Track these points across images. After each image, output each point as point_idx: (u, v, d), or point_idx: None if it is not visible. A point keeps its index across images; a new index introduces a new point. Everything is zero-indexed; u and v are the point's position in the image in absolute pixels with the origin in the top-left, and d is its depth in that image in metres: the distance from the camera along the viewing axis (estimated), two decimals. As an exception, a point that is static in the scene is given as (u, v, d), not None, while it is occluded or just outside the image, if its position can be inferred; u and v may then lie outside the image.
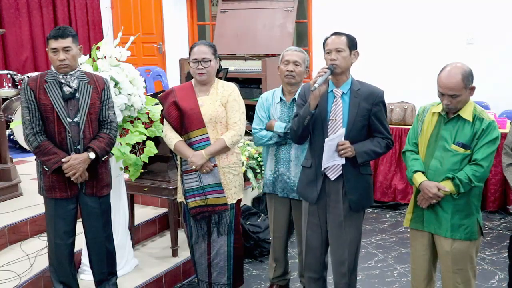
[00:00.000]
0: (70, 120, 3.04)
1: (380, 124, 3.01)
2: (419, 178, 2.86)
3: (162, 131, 3.44)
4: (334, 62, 2.90)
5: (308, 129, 2.98)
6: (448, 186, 2.77)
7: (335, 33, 2.97)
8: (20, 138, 5.86)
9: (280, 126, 3.39)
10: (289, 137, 3.33)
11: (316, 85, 2.80)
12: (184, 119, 3.26)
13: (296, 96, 3.36)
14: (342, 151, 2.91)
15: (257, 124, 3.51)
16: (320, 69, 2.90)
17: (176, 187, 3.56)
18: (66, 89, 3.06)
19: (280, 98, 3.47)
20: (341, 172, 2.99)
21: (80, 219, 3.24)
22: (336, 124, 2.97)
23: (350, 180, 3.00)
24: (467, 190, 2.77)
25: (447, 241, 2.86)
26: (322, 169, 2.97)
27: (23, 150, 6.01)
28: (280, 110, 3.46)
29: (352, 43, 2.95)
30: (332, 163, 2.96)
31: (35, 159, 3.17)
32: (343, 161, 2.95)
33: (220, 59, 3.40)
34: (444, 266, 2.92)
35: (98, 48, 3.64)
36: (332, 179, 3.01)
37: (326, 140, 2.89)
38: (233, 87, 3.35)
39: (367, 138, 3.02)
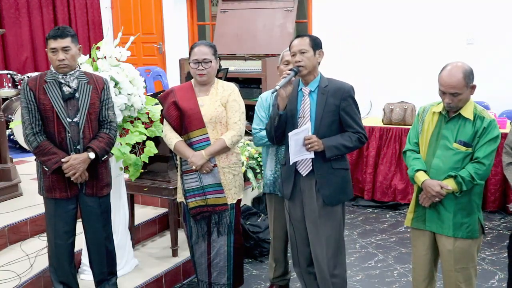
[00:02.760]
0: (70, 120, 3.04)
1: (350, 119, 3.04)
2: (421, 176, 2.87)
3: (162, 131, 3.44)
4: (299, 64, 2.97)
5: (279, 130, 3.05)
6: (450, 184, 2.78)
7: (299, 36, 3.06)
8: (20, 138, 5.86)
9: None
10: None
11: (277, 87, 2.90)
12: (184, 119, 3.26)
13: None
14: (309, 145, 2.95)
15: (257, 124, 3.51)
16: (285, 72, 3.00)
17: (176, 187, 3.55)
18: (66, 89, 3.06)
19: (280, 98, 3.47)
20: (311, 167, 3.03)
21: (80, 219, 3.24)
22: (305, 122, 3.03)
23: (321, 175, 3.04)
24: (469, 188, 2.79)
25: (449, 240, 2.87)
26: (291, 163, 3.02)
27: (23, 150, 6.01)
28: (279, 110, 3.46)
29: (315, 43, 3.01)
30: (301, 157, 3.00)
31: (35, 159, 3.17)
32: (312, 155, 3.00)
33: (220, 59, 3.40)
34: (446, 265, 2.92)
35: (98, 48, 3.64)
36: (303, 175, 3.06)
37: (289, 134, 2.95)
38: (233, 87, 3.35)
39: (338, 133, 3.06)
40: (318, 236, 3.11)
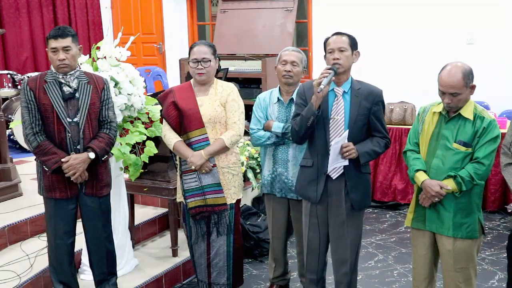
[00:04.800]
0: (70, 120, 3.04)
1: (379, 123, 3.03)
2: (421, 176, 2.87)
3: (162, 131, 3.44)
4: (338, 61, 2.91)
5: (311, 130, 2.99)
6: (450, 185, 2.78)
7: (337, 33, 2.99)
8: (20, 138, 5.86)
9: (278, 126, 3.39)
10: (288, 137, 3.35)
11: (322, 86, 2.81)
12: (183, 119, 3.26)
13: (294, 96, 3.37)
14: (347, 153, 2.92)
15: (254, 124, 3.50)
16: (323, 70, 2.90)
17: (176, 187, 3.55)
18: (66, 89, 3.06)
19: (278, 98, 3.47)
20: (342, 170, 3.00)
21: (80, 219, 3.24)
22: (338, 123, 2.98)
23: (351, 179, 3.02)
24: (469, 188, 2.79)
25: (449, 240, 2.87)
26: (328, 172, 2.99)
27: (23, 150, 6.01)
28: (277, 110, 3.46)
29: (353, 43, 2.97)
30: (336, 165, 2.97)
31: (35, 159, 3.17)
32: (346, 162, 2.97)
33: (219, 59, 3.40)
34: (445, 265, 2.92)
35: (98, 48, 3.63)
36: (334, 178, 3.02)
37: (332, 143, 2.91)
38: (232, 87, 3.35)
39: (366, 137, 3.04)
40: (344, 239, 3.07)
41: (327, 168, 2.98)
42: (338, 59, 2.91)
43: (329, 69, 2.89)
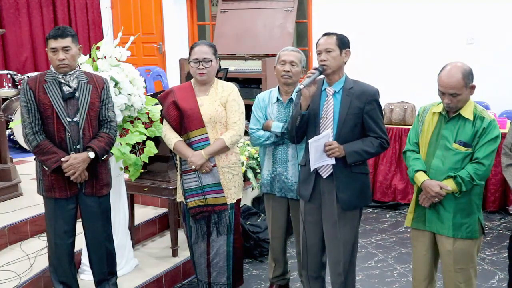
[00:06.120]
0: (70, 120, 3.04)
1: (373, 123, 2.99)
2: (421, 177, 2.86)
3: (162, 131, 3.44)
4: (324, 63, 2.92)
5: (301, 130, 3.00)
6: (450, 185, 2.78)
7: (326, 34, 2.99)
8: (20, 138, 5.86)
9: (277, 126, 3.39)
10: (287, 137, 3.35)
11: (301, 86, 2.84)
12: (184, 119, 3.26)
13: (293, 96, 3.38)
14: (329, 152, 2.91)
15: (254, 124, 3.50)
16: (309, 71, 2.93)
17: (176, 187, 3.56)
18: (66, 88, 3.06)
19: (277, 98, 3.47)
20: (332, 170, 3.00)
21: (80, 219, 3.24)
22: (327, 123, 2.98)
23: (340, 179, 3.00)
24: (469, 188, 2.78)
25: (449, 240, 2.86)
26: (312, 170, 2.98)
27: (23, 150, 6.01)
28: (277, 110, 3.46)
29: (342, 42, 2.95)
30: (322, 163, 2.97)
31: (35, 159, 3.17)
32: (333, 161, 2.95)
33: (220, 60, 3.40)
34: (445, 265, 2.92)
35: (98, 48, 3.64)
36: (324, 177, 3.02)
37: (310, 141, 2.91)
38: (232, 87, 3.35)
39: (361, 137, 3.01)
40: (337, 239, 3.06)
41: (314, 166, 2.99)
42: (324, 60, 2.92)
43: (315, 69, 2.91)
